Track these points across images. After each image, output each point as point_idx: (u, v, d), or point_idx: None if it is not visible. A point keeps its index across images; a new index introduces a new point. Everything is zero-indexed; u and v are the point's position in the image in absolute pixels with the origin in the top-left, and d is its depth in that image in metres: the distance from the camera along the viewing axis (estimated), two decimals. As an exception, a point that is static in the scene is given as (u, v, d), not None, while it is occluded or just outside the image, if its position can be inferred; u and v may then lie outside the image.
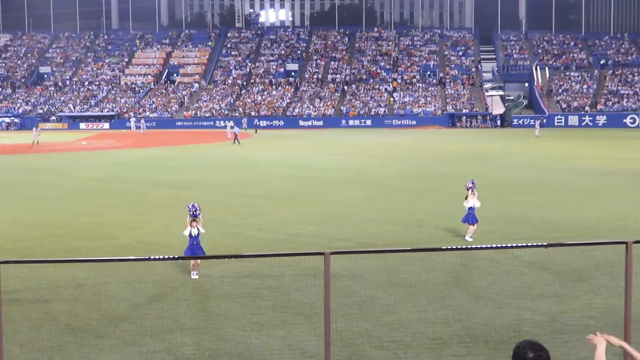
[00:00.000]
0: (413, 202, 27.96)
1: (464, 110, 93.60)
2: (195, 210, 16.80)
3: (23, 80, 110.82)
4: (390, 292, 15.11)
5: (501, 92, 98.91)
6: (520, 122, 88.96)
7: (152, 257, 14.42)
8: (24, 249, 20.22)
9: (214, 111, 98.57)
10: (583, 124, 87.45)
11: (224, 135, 71.63)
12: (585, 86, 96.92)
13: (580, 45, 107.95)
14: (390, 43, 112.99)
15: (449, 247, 17.10)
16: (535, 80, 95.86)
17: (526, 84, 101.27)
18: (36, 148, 59.55)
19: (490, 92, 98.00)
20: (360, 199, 28.92)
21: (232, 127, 67.41)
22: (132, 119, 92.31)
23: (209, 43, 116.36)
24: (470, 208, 20.27)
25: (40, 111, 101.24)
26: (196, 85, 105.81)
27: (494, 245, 17.58)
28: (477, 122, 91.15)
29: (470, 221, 20.34)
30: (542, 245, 12.49)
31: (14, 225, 23.92)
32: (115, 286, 15.72)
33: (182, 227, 17.31)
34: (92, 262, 17.39)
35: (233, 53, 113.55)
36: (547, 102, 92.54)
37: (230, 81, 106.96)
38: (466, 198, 20.48)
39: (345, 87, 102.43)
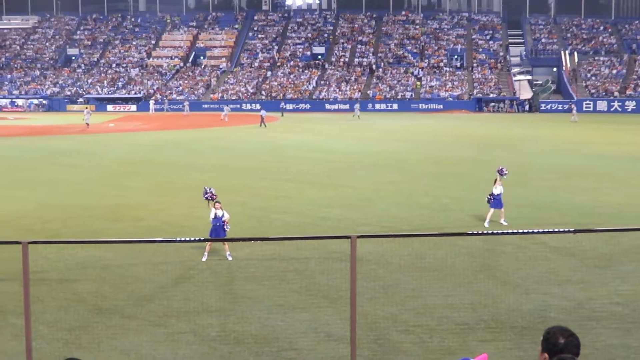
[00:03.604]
0: (439, 187, 27.86)
1: (491, 95, 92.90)
2: (208, 194, 17.04)
3: (51, 62, 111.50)
4: (416, 276, 15.09)
5: (529, 77, 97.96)
6: (548, 107, 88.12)
7: (178, 239, 14.53)
8: (51, 230, 20.41)
9: (240, 94, 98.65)
10: (612, 109, 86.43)
11: (252, 118, 71.38)
12: (614, 71, 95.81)
13: (609, 30, 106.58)
14: (417, 27, 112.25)
15: (475, 232, 17.05)
16: (564, 65, 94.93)
17: (554, 69, 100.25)
18: (67, 129, 59.81)
19: (518, 77, 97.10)
20: (386, 183, 28.87)
21: (258, 110, 67.26)
22: (151, 101, 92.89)
23: (236, 26, 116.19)
24: (498, 194, 20.25)
25: (68, 93, 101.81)
26: (223, 66, 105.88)
27: (521, 231, 17.46)
28: (504, 106, 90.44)
29: (500, 206, 20.35)
30: (569, 231, 12.38)
31: (41, 206, 24.15)
32: (141, 267, 15.83)
33: (207, 210, 17.35)
34: (119, 244, 17.52)
35: (260, 36, 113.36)
36: (576, 87, 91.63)
37: (256, 64, 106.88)
38: (494, 183, 20.42)
39: (373, 69, 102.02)
